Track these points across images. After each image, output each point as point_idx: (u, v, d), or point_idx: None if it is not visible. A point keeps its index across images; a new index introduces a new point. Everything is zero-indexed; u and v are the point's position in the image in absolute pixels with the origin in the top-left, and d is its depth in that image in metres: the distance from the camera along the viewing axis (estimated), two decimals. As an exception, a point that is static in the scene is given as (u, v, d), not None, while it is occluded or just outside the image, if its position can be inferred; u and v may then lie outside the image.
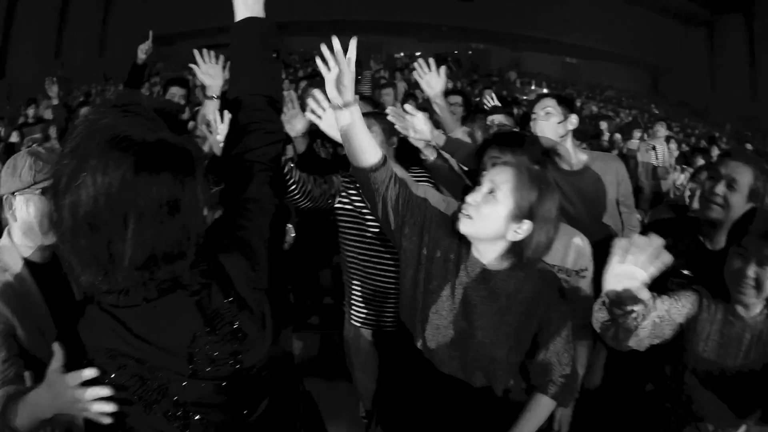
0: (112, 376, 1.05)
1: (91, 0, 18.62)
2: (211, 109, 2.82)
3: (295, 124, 2.77)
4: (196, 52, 2.90)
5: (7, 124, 7.82)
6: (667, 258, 1.28)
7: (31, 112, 8.29)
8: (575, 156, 2.68)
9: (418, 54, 21.56)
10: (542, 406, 1.74)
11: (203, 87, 2.98)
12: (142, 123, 0.96)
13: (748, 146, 9.83)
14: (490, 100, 4.17)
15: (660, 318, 1.71)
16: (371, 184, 1.69)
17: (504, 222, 1.56)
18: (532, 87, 19.18)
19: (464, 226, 1.59)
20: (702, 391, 1.74)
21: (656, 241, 1.28)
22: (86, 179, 0.91)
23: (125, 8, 20.55)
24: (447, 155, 2.73)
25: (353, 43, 1.57)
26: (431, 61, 2.74)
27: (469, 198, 1.60)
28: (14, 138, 6.42)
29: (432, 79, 2.73)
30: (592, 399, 2.43)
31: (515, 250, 1.60)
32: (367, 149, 1.66)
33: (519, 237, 1.57)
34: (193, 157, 1.00)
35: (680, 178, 6.29)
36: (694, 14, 24.94)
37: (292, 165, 2.28)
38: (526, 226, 1.56)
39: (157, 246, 0.96)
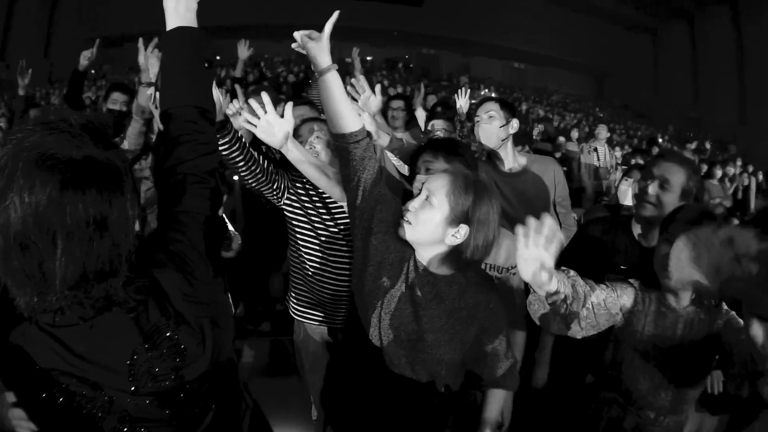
0: (56, 395, 1.04)
1: (36, 0, 17.97)
2: (144, 96, 2.82)
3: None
4: (141, 39, 2.90)
5: None
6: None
7: None
8: (514, 159, 2.79)
9: (369, 59, 21.71)
10: (499, 398, 1.88)
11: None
12: (69, 140, 0.95)
13: (691, 146, 10.27)
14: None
15: (596, 306, 1.78)
16: (351, 156, 1.73)
17: (441, 227, 1.61)
18: (482, 92, 19.52)
19: (407, 233, 1.64)
20: (641, 380, 1.82)
21: (549, 221, 1.41)
22: (14, 199, 0.90)
23: (72, 9, 19.91)
24: (392, 158, 2.79)
25: (335, 15, 1.73)
26: (364, 83, 2.79)
27: (409, 204, 1.65)
28: None
29: (369, 101, 2.77)
30: (537, 393, 2.53)
31: (455, 253, 1.65)
32: (347, 115, 1.72)
33: (457, 241, 1.62)
34: (121, 173, 0.99)
35: (620, 178, 6.53)
36: (639, 21, 25.94)
37: (238, 133, 2.25)
38: (463, 230, 1.60)
39: (89, 264, 0.95)
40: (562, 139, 7.96)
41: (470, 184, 1.62)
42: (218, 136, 2.15)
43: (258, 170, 2.27)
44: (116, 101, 4.05)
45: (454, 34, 24.29)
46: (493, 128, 2.70)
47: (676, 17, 24.72)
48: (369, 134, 1.81)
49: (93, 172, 0.95)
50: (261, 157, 2.32)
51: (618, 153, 7.67)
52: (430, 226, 1.61)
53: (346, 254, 2.36)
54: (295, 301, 2.59)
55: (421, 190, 1.67)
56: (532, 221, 1.42)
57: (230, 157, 2.21)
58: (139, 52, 2.87)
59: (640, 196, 2.14)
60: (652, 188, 2.09)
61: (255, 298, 4.11)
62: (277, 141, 2.09)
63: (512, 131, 2.75)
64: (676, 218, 1.77)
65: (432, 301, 1.68)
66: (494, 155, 2.77)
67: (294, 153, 2.13)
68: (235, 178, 3.62)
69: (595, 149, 7.14)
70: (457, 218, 1.60)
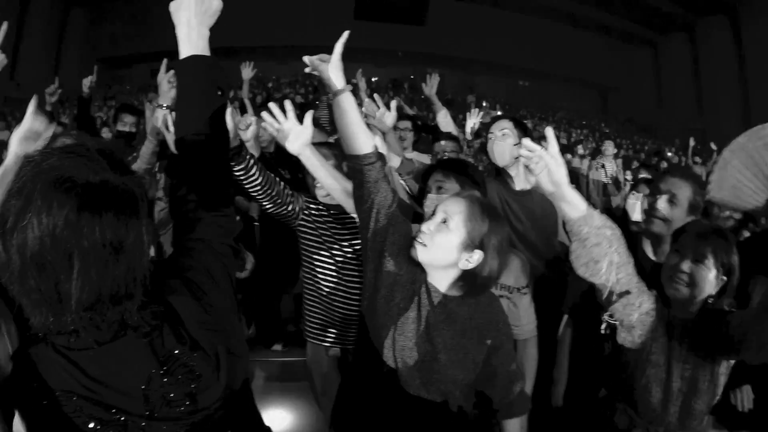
0: (70, 418, 1.04)
1: (46, 19, 18.23)
2: (160, 118, 2.83)
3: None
4: (165, 60, 2.92)
5: None
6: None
7: None
8: (526, 176, 2.78)
9: (375, 79, 21.89)
10: (513, 427, 1.86)
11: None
12: (86, 164, 0.97)
13: (697, 159, 10.26)
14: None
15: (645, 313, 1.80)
16: (365, 178, 1.74)
17: (456, 251, 1.62)
18: (489, 111, 19.58)
19: (420, 254, 1.65)
20: (653, 391, 1.81)
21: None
22: (32, 220, 0.91)
23: (80, 30, 20.22)
24: (399, 180, 2.80)
25: (345, 35, 1.75)
26: (378, 100, 2.80)
27: (424, 226, 1.66)
28: None
29: (384, 117, 2.79)
30: (553, 409, 2.52)
31: (467, 277, 1.66)
32: (361, 136, 1.73)
33: (470, 266, 1.63)
34: (137, 198, 1.01)
35: (628, 192, 6.53)
36: (639, 35, 26.03)
37: (252, 159, 2.29)
38: (476, 255, 1.62)
39: (104, 287, 0.96)
40: (568, 156, 7.95)
41: (486, 211, 1.65)
42: (233, 162, 2.18)
43: (274, 193, 2.30)
44: (126, 123, 4.14)
45: (457, 53, 24.49)
46: (506, 146, 2.71)
47: (675, 29, 24.82)
48: (383, 156, 1.82)
49: (110, 196, 0.96)
50: (276, 179, 2.36)
51: (629, 175, 7.66)
52: (445, 249, 1.62)
53: (360, 274, 2.37)
54: (308, 322, 2.59)
55: (435, 212, 1.69)
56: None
57: (247, 182, 2.24)
58: (160, 72, 2.92)
59: (649, 211, 2.17)
60: (661, 203, 2.12)
61: (267, 319, 4.11)
62: (296, 147, 2.11)
63: None
64: (687, 230, 1.80)
65: (444, 322, 1.68)
66: (505, 173, 2.78)
67: (311, 160, 2.14)
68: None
69: (603, 165, 7.14)
70: (472, 244, 1.61)
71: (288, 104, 2.13)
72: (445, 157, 3.20)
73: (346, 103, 1.73)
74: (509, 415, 1.84)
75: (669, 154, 12.81)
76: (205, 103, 1.29)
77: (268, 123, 2.12)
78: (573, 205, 1.65)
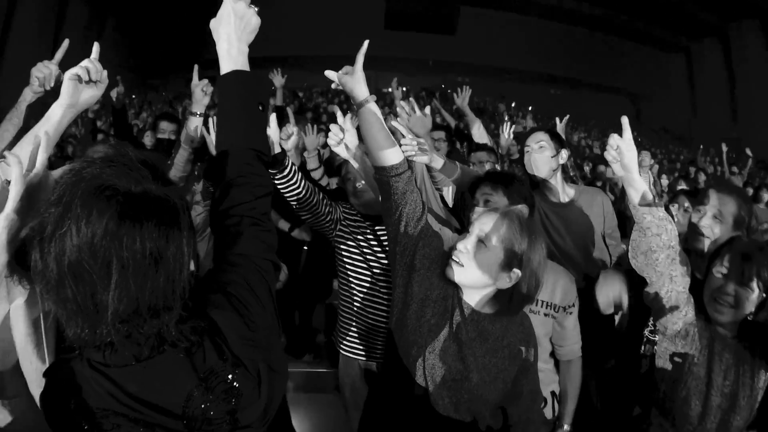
0: None
1: (81, 33, 18.81)
2: (193, 125, 2.88)
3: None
4: (196, 67, 2.96)
5: None
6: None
7: None
8: (563, 190, 2.75)
9: (405, 89, 21.95)
10: None
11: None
12: (128, 173, 0.96)
13: (736, 170, 9.99)
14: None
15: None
16: (393, 190, 1.72)
17: (494, 270, 1.58)
18: (521, 121, 19.43)
19: (456, 275, 1.61)
20: (692, 404, 1.77)
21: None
22: (71, 227, 0.90)
23: (116, 37, 20.78)
24: (435, 190, 2.77)
25: (364, 45, 1.74)
26: (414, 104, 2.77)
27: (461, 245, 1.61)
28: None
29: (419, 121, 2.75)
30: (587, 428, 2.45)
31: (503, 295, 1.63)
32: (388, 147, 1.71)
33: (508, 285, 1.59)
34: (178, 209, 0.99)
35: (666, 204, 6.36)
36: (671, 41, 25.56)
37: (294, 167, 2.29)
38: (515, 274, 1.58)
39: (142, 298, 0.94)
40: (601, 167, 7.74)
41: (525, 228, 1.60)
42: (275, 171, 2.18)
43: (314, 202, 2.30)
44: (164, 130, 4.21)
45: (488, 62, 24.41)
46: (543, 158, 2.68)
47: (707, 35, 24.26)
48: (410, 167, 1.78)
49: (150, 206, 0.95)
50: (315, 188, 2.35)
51: (665, 181, 7.46)
52: (483, 269, 1.58)
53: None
54: (342, 335, 2.57)
55: (470, 229, 1.65)
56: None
57: (287, 191, 2.24)
58: (193, 79, 2.95)
59: (693, 228, 2.13)
60: (706, 221, 2.09)
61: (298, 330, 4.11)
62: (345, 153, 2.10)
63: (562, 161, 2.73)
64: (731, 249, 1.76)
65: (476, 340, 1.64)
66: (544, 186, 2.75)
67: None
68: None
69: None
70: (511, 262, 1.57)
71: (338, 111, 2.11)
72: (486, 169, 3.17)
73: (371, 114, 1.71)
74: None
75: (706, 165, 12.48)
76: (246, 118, 1.30)
77: (333, 136, 2.09)
78: (640, 192, 1.68)
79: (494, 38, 23.85)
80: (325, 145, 5.64)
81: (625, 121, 1.72)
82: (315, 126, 3.72)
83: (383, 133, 1.72)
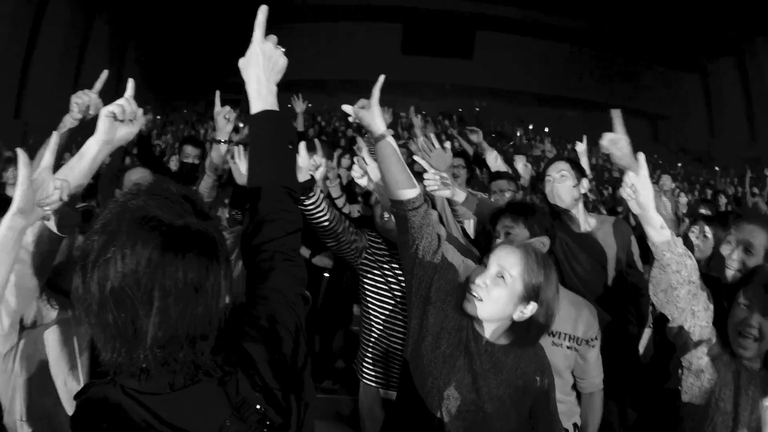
0: None
1: (106, 51, 19.30)
2: (218, 153, 2.88)
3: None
4: (218, 93, 2.98)
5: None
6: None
7: None
8: (585, 219, 2.75)
9: (423, 113, 22.04)
10: None
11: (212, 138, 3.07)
12: (170, 206, 1.01)
13: (755, 190, 9.83)
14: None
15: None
16: (409, 224, 1.74)
17: (512, 304, 1.61)
18: (537, 144, 19.39)
19: (476, 309, 1.64)
20: None
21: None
22: (116, 254, 0.95)
23: (139, 62, 21.25)
24: (455, 221, 2.79)
25: (380, 80, 1.77)
26: (433, 138, 2.79)
27: (479, 280, 1.64)
28: None
29: (440, 157, 2.75)
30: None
31: (518, 327, 1.66)
32: (404, 181, 1.74)
33: (524, 317, 1.62)
34: (216, 243, 1.04)
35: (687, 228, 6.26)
36: (687, 61, 25.38)
37: (322, 194, 2.33)
38: (531, 306, 1.61)
39: (181, 325, 0.98)
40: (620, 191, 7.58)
41: (541, 262, 1.64)
42: (304, 197, 2.23)
43: (340, 230, 2.33)
44: (189, 155, 4.30)
45: (504, 85, 24.46)
46: (565, 187, 2.69)
47: (723, 53, 24.04)
48: (426, 201, 1.81)
49: (192, 239, 0.99)
50: (342, 216, 2.39)
51: (683, 199, 7.35)
52: (502, 303, 1.61)
53: None
54: (363, 363, 2.59)
55: (488, 264, 1.67)
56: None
57: (315, 217, 2.28)
58: (215, 106, 2.95)
59: (722, 260, 2.10)
60: (737, 254, 2.06)
61: (318, 356, 4.12)
62: (369, 185, 2.16)
63: (583, 191, 2.74)
64: (754, 281, 1.72)
65: (490, 371, 1.66)
66: (565, 215, 2.75)
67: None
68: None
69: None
70: (528, 296, 1.60)
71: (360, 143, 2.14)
72: (506, 197, 3.19)
73: (388, 148, 1.74)
74: None
75: (726, 185, 12.30)
76: (277, 156, 1.34)
77: (357, 168, 2.16)
78: (657, 229, 1.68)
79: (510, 62, 23.91)
80: (349, 168, 5.73)
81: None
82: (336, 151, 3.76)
83: (400, 167, 1.75)
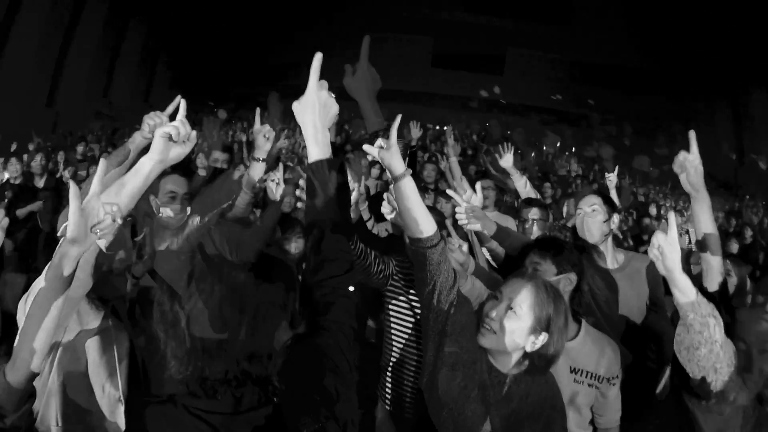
0: None
1: (140, 48, 19.78)
2: (257, 171, 2.92)
3: None
4: (258, 111, 3.07)
5: (51, 152, 7.98)
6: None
7: (80, 149, 8.67)
8: (613, 255, 2.75)
9: (455, 132, 21.90)
10: None
11: (247, 147, 3.12)
12: None
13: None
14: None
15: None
16: (428, 261, 1.78)
17: (524, 336, 1.67)
18: (565, 162, 19.27)
19: (488, 341, 1.70)
20: None
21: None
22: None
23: (170, 62, 21.68)
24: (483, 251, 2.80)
25: (398, 119, 1.83)
26: (466, 184, 2.82)
27: (492, 313, 1.70)
28: (67, 174, 6.73)
29: (473, 200, 2.63)
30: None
31: (530, 357, 1.71)
32: (422, 219, 1.77)
33: (536, 347, 1.68)
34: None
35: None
36: (717, 87, 25.01)
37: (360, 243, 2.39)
38: (542, 337, 1.67)
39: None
40: (647, 221, 7.43)
41: (551, 294, 1.70)
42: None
43: (367, 263, 2.39)
44: (217, 160, 4.39)
45: (533, 102, 24.38)
46: (596, 222, 2.70)
47: (753, 81, 23.63)
48: (443, 237, 1.85)
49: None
50: (368, 249, 2.43)
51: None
52: (515, 335, 1.67)
53: None
54: (385, 387, 2.61)
55: (500, 297, 1.72)
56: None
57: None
58: (255, 124, 3.02)
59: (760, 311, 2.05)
60: None
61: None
62: (398, 220, 2.17)
63: (613, 226, 2.73)
64: None
65: (502, 401, 1.71)
66: (594, 250, 2.74)
67: None
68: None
69: (687, 231, 6.75)
70: (540, 327, 1.66)
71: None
72: (532, 224, 3.21)
73: (408, 188, 1.77)
74: None
75: (752, 215, 12.12)
76: (332, 199, 1.43)
77: (387, 205, 2.24)
78: (683, 291, 1.69)
79: (539, 78, 23.86)
80: (379, 177, 5.76)
81: (672, 217, 1.76)
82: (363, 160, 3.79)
83: (420, 205, 1.79)
